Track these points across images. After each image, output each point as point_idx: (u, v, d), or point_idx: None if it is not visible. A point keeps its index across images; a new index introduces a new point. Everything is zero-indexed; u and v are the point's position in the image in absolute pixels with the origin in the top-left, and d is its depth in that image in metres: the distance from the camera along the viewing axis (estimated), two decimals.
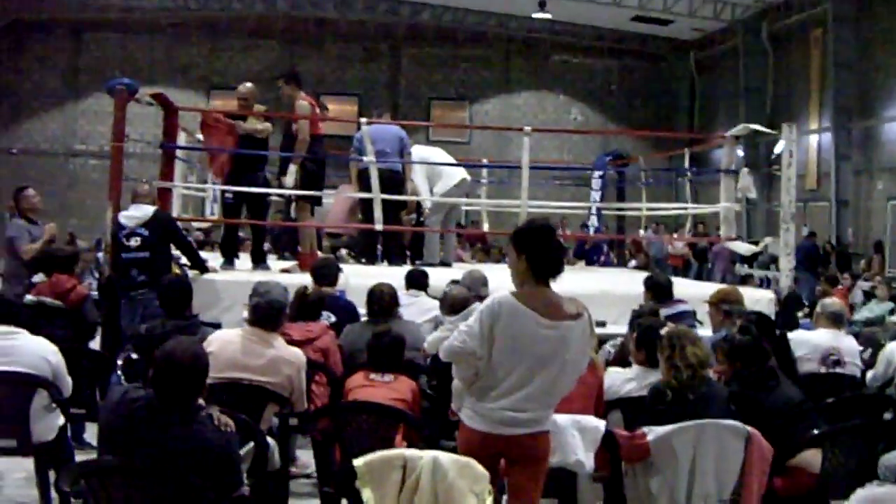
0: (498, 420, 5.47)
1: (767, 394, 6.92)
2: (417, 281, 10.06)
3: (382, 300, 8.69)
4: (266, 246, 13.25)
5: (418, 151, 14.06)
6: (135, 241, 9.91)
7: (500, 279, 8.42)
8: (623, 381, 7.28)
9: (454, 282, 10.41)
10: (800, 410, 6.95)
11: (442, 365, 7.63)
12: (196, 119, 13.27)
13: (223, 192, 12.30)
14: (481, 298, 6.86)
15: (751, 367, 7.06)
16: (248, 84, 12.24)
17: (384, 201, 12.48)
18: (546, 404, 5.58)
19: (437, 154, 14.33)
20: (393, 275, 10.40)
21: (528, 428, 5.51)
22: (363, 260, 13.55)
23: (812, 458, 6.59)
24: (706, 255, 27.18)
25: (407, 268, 11.31)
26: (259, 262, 11.97)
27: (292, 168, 11.66)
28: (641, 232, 19.70)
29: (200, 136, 12.83)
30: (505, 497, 5.69)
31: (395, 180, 13.02)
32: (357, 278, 10.54)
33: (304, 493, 7.80)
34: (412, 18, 35.04)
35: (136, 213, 10.04)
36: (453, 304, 8.11)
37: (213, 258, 11.87)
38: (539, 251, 5.57)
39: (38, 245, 11.01)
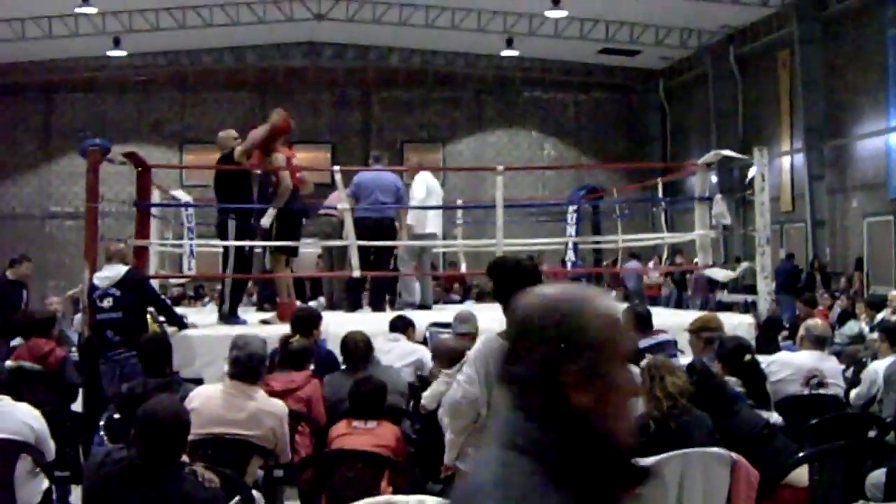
0: None
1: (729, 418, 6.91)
2: (397, 325, 10.06)
3: (357, 348, 8.64)
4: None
5: (424, 177, 14.26)
6: (108, 302, 9.83)
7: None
8: None
9: (434, 325, 10.44)
10: (769, 432, 6.96)
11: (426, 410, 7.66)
12: (169, 175, 13.24)
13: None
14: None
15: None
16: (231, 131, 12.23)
17: (377, 248, 12.70)
18: None
19: (436, 190, 14.48)
20: (374, 321, 10.41)
21: None
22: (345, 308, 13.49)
23: (797, 477, 6.58)
24: (686, 284, 27.27)
25: (389, 313, 11.32)
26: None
27: (271, 211, 11.59)
28: (632, 264, 19.63)
29: (175, 193, 12.80)
30: None
31: (392, 227, 13.40)
32: (337, 326, 10.48)
33: None
34: (381, 63, 35.20)
35: (109, 274, 9.96)
36: (450, 356, 8.04)
37: (191, 313, 11.80)
38: (502, 286, 5.62)
39: None
